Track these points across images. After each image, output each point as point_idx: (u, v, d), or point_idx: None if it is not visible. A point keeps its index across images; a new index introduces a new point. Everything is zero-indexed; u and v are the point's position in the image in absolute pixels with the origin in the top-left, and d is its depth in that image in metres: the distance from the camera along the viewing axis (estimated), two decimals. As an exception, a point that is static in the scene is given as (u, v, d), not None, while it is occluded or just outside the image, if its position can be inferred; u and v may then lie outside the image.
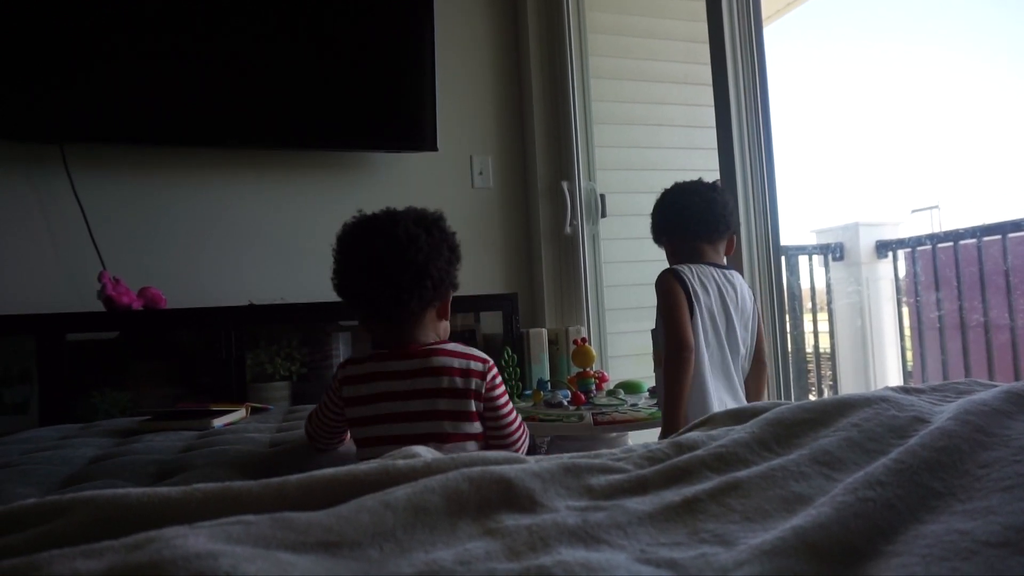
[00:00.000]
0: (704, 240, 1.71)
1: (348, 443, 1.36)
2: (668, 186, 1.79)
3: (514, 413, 1.27)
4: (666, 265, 1.76)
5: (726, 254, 1.78)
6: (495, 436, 1.25)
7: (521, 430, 1.28)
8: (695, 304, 1.61)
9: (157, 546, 0.48)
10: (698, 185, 1.76)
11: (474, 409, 1.20)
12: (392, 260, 1.19)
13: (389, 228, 1.21)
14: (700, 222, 1.71)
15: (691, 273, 1.64)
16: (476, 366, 1.22)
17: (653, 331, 1.75)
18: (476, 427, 1.21)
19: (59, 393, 2.04)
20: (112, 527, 0.56)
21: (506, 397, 1.26)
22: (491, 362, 1.25)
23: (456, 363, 1.21)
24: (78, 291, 2.29)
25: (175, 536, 0.49)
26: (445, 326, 1.32)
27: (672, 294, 1.60)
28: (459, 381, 1.20)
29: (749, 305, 1.73)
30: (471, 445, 1.21)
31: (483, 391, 1.21)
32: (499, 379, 1.25)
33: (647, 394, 2.19)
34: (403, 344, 1.24)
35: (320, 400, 1.29)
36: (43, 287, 2.31)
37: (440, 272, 1.23)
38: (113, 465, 1.22)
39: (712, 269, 1.68)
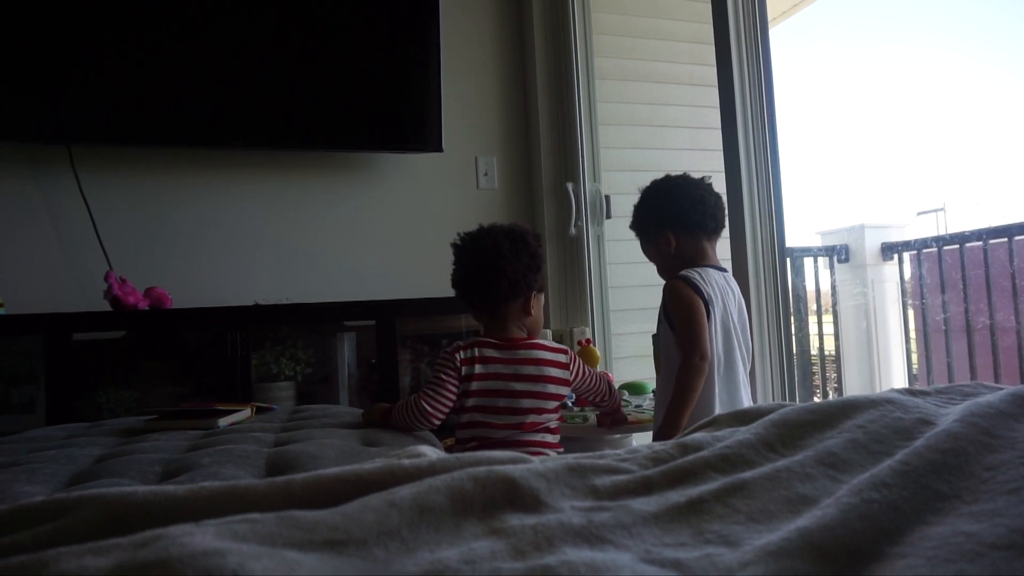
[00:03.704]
0: (707, 237, 1.70)
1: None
2: (659, 178, 1.76)
3: (595, 376, 1.69)
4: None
5: None
6: (589, 396, 1.72)
7: (600, 383, 1.69)
8: (711, 312, 1.58)
9: (164, 543, 0.48)
10: (700, 180, 1.73)
11: (553, 392, 1.59)
12: (480, 265, 1.56)
13: (483, 239, 1.58)
14: (711, 218, 1.69)
15: (702, 280, 1.61)
16: (561, 358, 1.61)
17: (655, 336, 1.74)
18: (555, 404, 1.61)
19: (65, 392, 2.05)
20: (119, 525, 0.56)
21: (586, 369, 1.66)
22: (570, 352, 1.64)
23: (548, 356, 1.60)
24: (84, 291, 2.30)
25: (182, 534, 0.50)
26: (532, 320, 1.65)
27: (693, 305, 1.57)
28: (551, 371, 1.59)
29: (744, 309, 1.71)
30: (553, 416, 1.61)
31: (570, 377, 1.61)
32: (578, 361, 1.64)
33: (651, 395, 2.19)
34: (503, 336, 1.60)
35: (433, 384, 1.55)
36: (50, 287, 2.32)
37: (516, 274, 1.56)
38: (119, 464, 1.22)
39: (715, 274, 1.66)
